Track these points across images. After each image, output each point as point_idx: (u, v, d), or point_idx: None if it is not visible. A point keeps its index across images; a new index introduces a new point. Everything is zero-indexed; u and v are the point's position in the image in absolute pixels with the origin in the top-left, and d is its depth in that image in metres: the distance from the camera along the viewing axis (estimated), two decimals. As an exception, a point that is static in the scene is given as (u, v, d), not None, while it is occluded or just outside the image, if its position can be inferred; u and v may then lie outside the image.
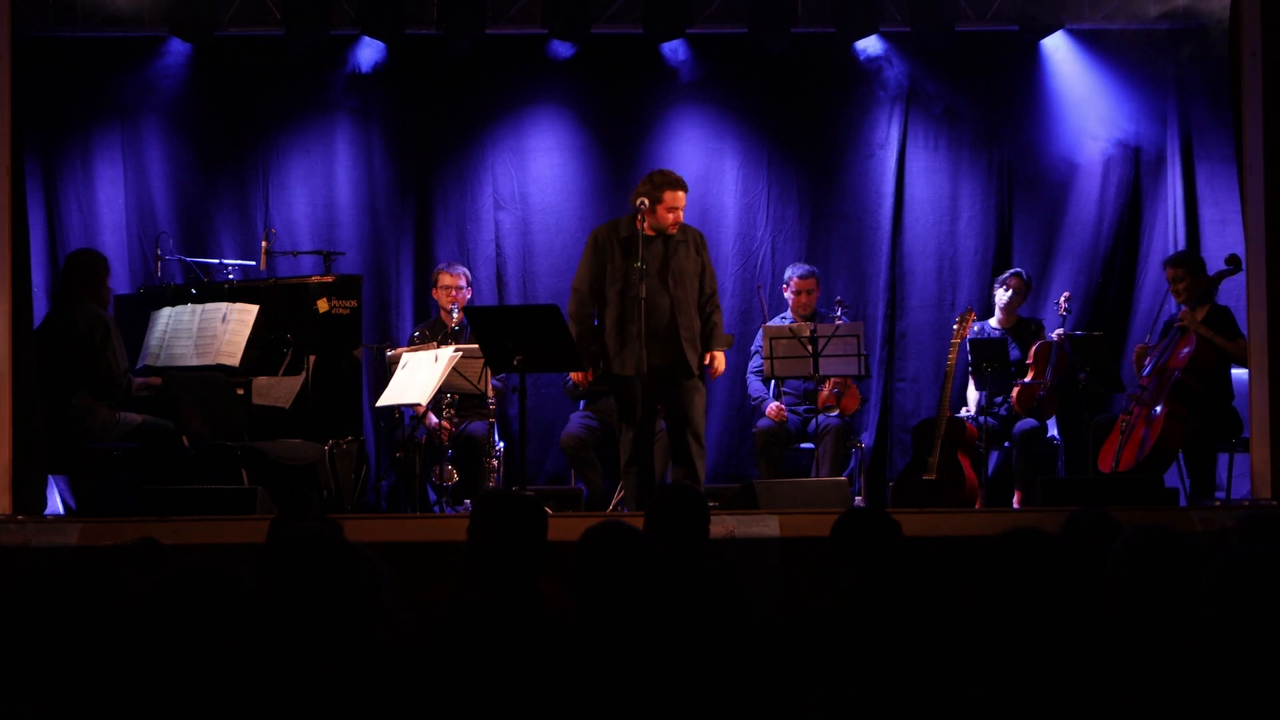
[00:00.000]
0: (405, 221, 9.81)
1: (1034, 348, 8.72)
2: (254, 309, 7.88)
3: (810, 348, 8.34)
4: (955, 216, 9.80)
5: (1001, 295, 8.92)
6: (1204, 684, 3.21)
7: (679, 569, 3.72)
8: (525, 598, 4.01)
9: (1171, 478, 8.12)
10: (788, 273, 9.09)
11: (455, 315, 8.82)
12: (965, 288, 9.66)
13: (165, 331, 7.93)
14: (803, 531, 6.50)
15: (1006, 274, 9.05)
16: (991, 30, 9.59)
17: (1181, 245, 9.39)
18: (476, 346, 7.83)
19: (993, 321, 8.99)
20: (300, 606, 3.17)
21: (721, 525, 6.32)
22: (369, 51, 9.60)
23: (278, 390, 7.89)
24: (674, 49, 9.65)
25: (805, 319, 8.86)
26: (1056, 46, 9.60)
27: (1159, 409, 8.02)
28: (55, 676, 2.99)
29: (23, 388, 7.40)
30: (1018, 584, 3.42)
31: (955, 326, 8.76)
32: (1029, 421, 8.65)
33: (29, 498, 7.40)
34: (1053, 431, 8.90)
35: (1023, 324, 8.98)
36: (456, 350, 7.95)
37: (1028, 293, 9.08)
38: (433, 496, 8.59)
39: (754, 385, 9.05)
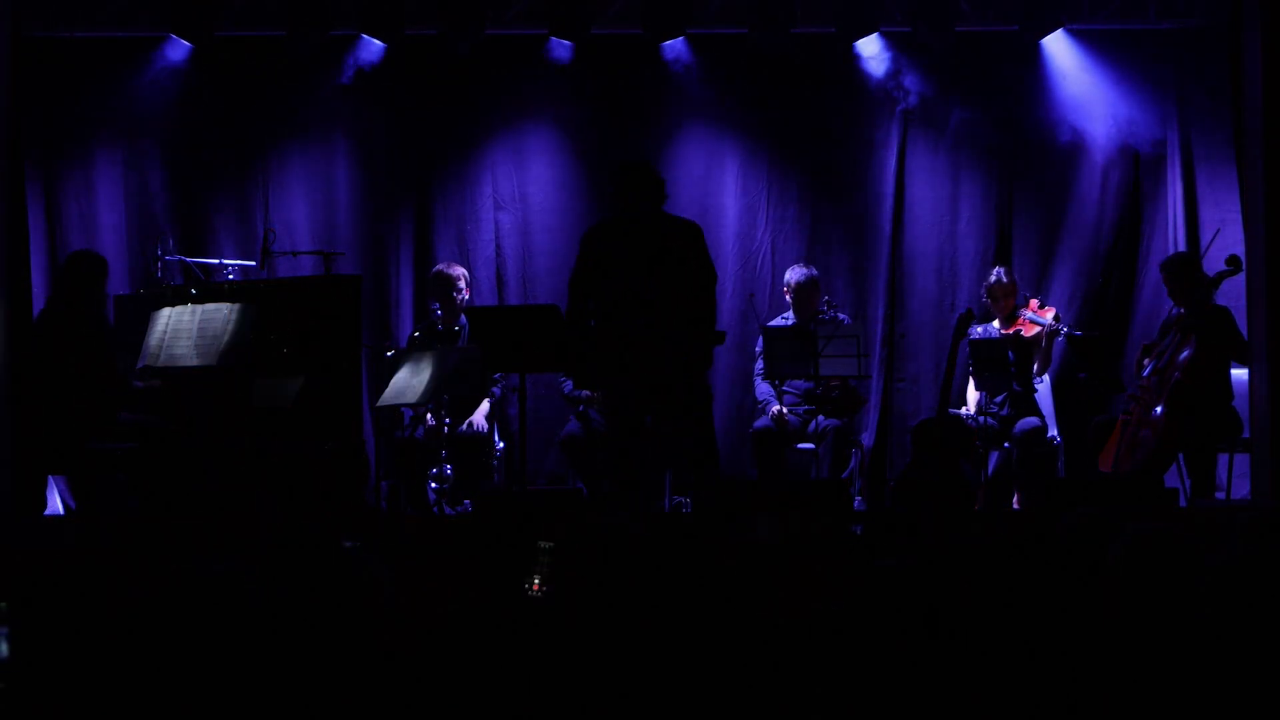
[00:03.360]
0: (405, 221, 9.80)
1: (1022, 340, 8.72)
2: (254, 309, 7.88)
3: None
4: (955, 216, 9.79)
5: (993, 304, 8.92)
6: (1204, 684, 3.21)
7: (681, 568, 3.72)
8: (521, 598, 4.01)
9: (1171, 478, 8.12)
10: (787, 275, 9.07)
11: (448, 314, 8.81)
12: (965, 288, 9.64)
13: (165, 331, 7.92)
14: (803, 532, 6.50)
15: (989, 284, 8.98)
16: (991, 30, 9.58)
17: (1182, 245, 9.39)
18: (476, 347, 7.83)
19: (995, 324, 8.97)
20: (301, 608, 3.17)
21: (721, 525, 6.32)
22: (369, 51, 9.60)
23: (278, 390, 7.89)
24: (674, 49, 9.65)
25: (811, 318, 8.83)
26: (1057, 46, 9.60)
27: (1159, 409, 8.02)
28: (57, 675, 2.99)
29: (22, 388, 7.41)
30: (1019, 584, 3.42)
31: (954, 327, 8.76)
32: (1030, 421, 8.63)
33: (29, 498, 7.41)
34: (1052, 431, 8.90)
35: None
36: (456, 350, 7.96)
37: (1014, 292, 9.00)
38: (432, 497, 8.59)
39: (760, 387, 9.04)
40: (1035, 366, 8.76)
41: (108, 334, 7.70)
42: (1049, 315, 8.77)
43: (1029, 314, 8.79)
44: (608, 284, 7.47)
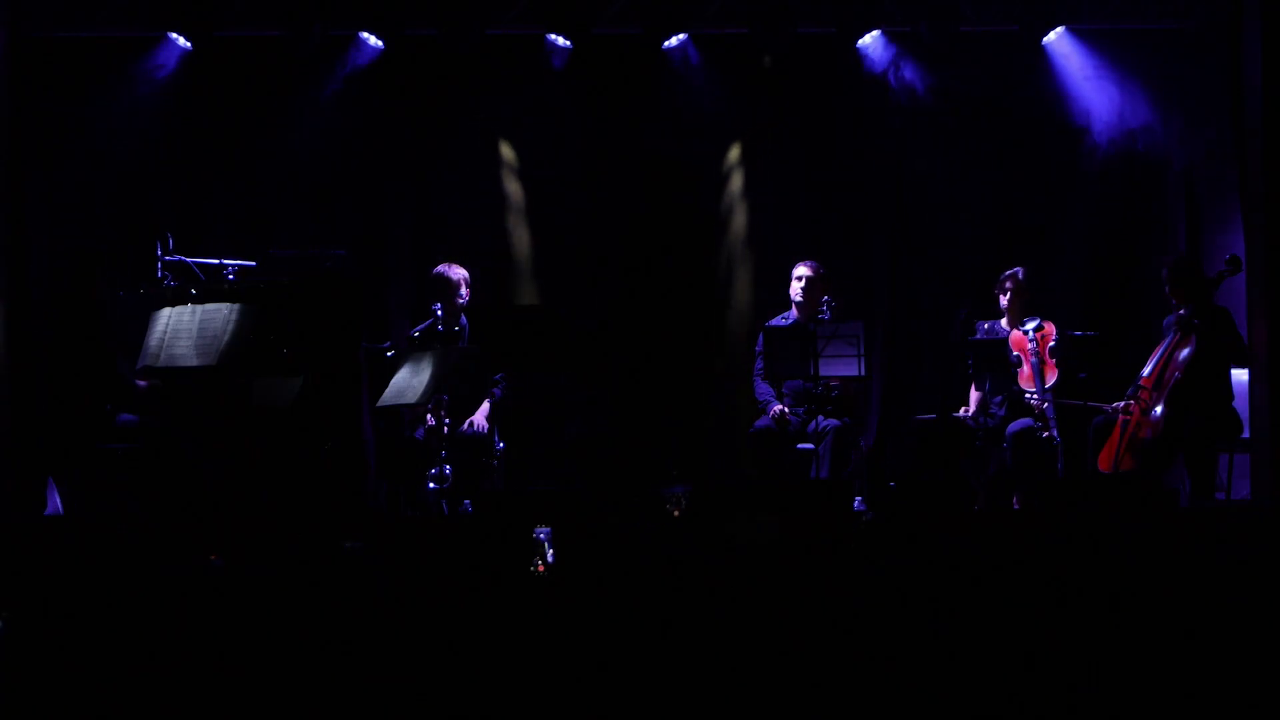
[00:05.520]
0: (405, 221, 9.81)
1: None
2: (254, 309, 7.88)
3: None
4: (955, 216, 9.80)
5: (1002, 299, 8.87)
6: (1205, 683, 3.21)
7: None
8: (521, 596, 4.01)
9: (1172, 478, 8.12)
10: (797, 269, 9.03)
11: (449, 315, 8.82)
12: (965, 287, 9.63)
13: (165, 331, 7.92)
14: (803, 532, 6.49)
15: (1004, 277, 8.94)
16: (992, 30, 9.59)
17: (1181, 245, 9.40)
18: (477, 347, 7.83)
19: (1003, 322, 8.91)
20: (301, 607, 3.17)
21: (721, 526, 6.32)
22: (368, 51, 9.61)
23: (278, 390, 7.89)
24: (675, 48, 9.66)
25: (812, 317, 8.81)
26: (1057, 46, 9.63)
27: (1159, 410, 8.02)
28: (57, 674, 3.00)
29: (21, 388, 7.42)
30: (1019, 582, 3.42)
31: (958, 327, 8.74)
32: (1021, 423, 8.59)
33: (29, 498, 7.41)
34: (1052, 431, 8.87)
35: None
36: (456, 350, 7.96)
37: (1026, 293, 8.94)
38: (432, 497, 8.59)
39: (760, 387, 9.02)
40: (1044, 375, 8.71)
41: (106, 333, 7.69)
42: (1046, 339, 8.64)
43: (1027, 332, 8.68)
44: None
